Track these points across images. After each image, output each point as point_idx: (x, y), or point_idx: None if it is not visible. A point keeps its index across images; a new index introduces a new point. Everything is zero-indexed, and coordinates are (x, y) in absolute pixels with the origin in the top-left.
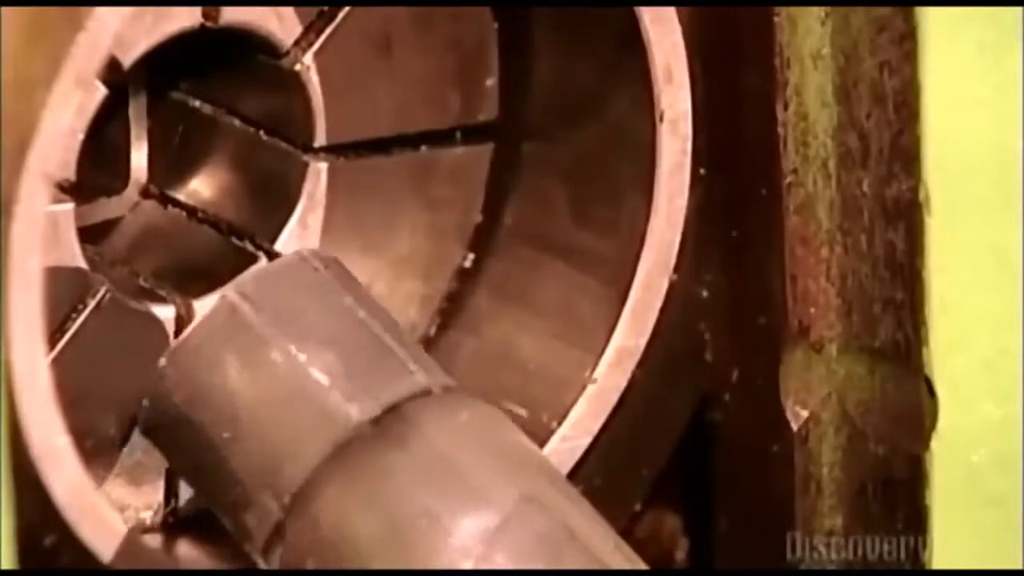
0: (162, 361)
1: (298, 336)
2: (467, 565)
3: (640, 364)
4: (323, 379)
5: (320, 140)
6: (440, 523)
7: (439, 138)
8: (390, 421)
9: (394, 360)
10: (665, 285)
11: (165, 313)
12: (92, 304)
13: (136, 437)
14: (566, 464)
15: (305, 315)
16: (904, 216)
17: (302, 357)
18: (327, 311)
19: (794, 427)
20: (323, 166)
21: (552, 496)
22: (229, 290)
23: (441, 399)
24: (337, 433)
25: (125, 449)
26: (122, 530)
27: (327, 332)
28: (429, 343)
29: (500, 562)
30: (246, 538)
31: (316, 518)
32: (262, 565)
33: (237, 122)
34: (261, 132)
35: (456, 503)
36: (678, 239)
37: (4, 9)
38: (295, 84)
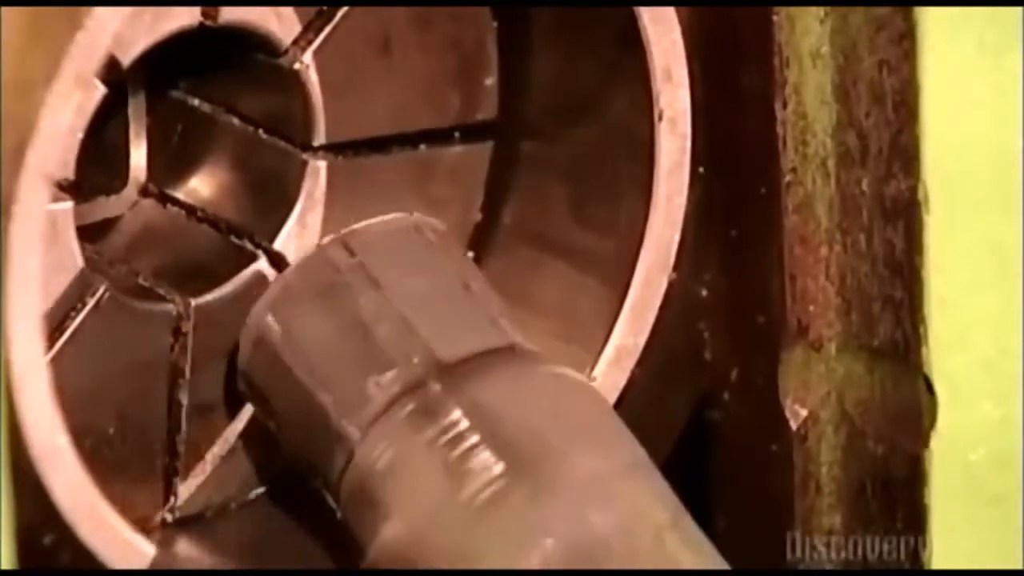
0: (341, 234)
1: (468, 268)
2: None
3: (639, 363)
4: (493, 301)
5: (319, 139)
6: (586, 439)
7: (438, 137)
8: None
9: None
10: (664, 284)
11: (164, 311)
12: (91, 303)
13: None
14: None
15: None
16: (903, 215)
17: (475, 286)
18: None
19: (793, 426)
20: (322, 165)
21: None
22: (418, 215)
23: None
24: (499, 339)
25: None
26: (122, 530)
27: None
28: None
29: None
30: (351, 408)
31: (477, 385)
32: (354, 436)
33: (236, 121)
34: (260, 131)
35: (607, 432)
36: (677, 238)
37: (4, 9)
38: (294, 83)
